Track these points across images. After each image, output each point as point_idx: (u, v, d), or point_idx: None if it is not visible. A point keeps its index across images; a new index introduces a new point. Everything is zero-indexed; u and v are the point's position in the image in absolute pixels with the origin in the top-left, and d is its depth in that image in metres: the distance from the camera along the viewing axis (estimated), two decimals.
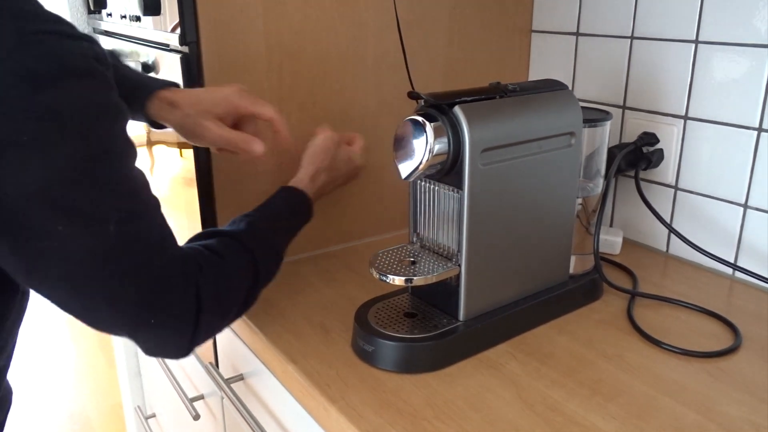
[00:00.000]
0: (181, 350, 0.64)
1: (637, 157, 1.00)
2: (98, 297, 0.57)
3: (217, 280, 0.65)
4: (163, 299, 0.60)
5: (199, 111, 0.77)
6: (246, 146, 0.77)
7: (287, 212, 0.81)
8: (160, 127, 0.82)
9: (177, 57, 0.87)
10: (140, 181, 0.60)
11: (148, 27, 0.96)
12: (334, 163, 0.88)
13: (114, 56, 0.84)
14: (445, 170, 0.70)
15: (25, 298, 0.70)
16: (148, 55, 0.99)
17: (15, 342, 0.71)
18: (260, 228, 0.75)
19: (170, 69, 0.90)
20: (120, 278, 0.57)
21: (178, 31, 0.85)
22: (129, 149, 0.60)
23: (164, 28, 0.90)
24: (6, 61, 0.50)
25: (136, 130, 1.13)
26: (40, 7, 0.55)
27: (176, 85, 0.82)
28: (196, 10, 0.84)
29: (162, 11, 0.89)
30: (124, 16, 1.05)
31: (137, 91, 0.79)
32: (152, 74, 0.98)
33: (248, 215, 0.77)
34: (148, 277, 0.59)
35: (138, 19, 0.99)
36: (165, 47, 0.93)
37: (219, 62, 0.87)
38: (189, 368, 1.16)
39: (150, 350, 0.64)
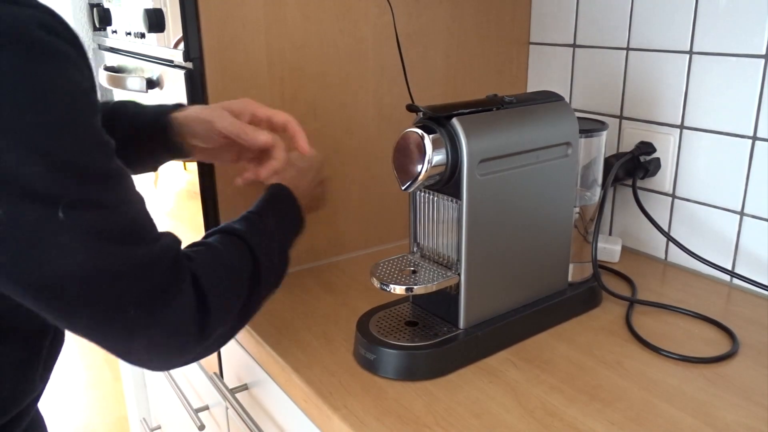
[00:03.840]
0: (187, 356, 0.58)
1: (635, 166, 1.01)
2: (79, 305, 0.51)
3: (214, 268, 0.61)
4: (155, 296, 0.53)
5: (216, 107, 0.78)
6: (253, 136, 0.75)
7: (289, 212, 0.78)
8: (181, 153, 0.80)
9: (181, 73, 0.89)
10: (103, 169, 0.52)
11: (152, 43, 0.98)
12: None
13: (131, 104, 0.83)
14: (444, 181, 0.72)
15: (57, 341, 0.67)
16: (152, 71, 1.01)
17: (46, 382, 0.68)
18: (257, 222, 0.72)
19: (174, 84, 0.92)
20: (101, 280, 0.50)
21: (182, 47, 0.87)
22: (88, 127, 0.51)
23: (168, 44, 0.92)
24: None
25: None
26: None
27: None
28: (199, 26, 0.86)
29: (166, 28, 0.91)
30: (129, 33, 1.07)
31: (159, 116, 0.78)
32: (157, 90, 1.00)
33: (244, 215, 0.73)
34: (134, 273, 0.52)
35: (142, 35, 1.01)
36: (169, 63, 0.95)
37: (222, 77, 0.89)
38: (194, 379, 1.17)
39: (152, 362, 0.57)
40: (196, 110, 0.78)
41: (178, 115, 0.78)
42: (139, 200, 0.56)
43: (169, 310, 0.54)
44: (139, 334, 0.54)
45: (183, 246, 0.62)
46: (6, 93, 0.46)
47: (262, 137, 0.76)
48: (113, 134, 0.57)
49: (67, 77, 0.49)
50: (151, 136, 0.78)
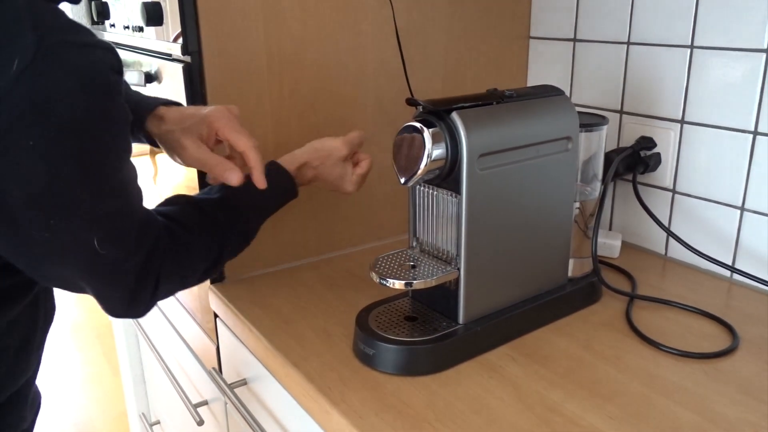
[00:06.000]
0: (136, 314, 0.69)
1: (635, 161, 1.01)
2: (78, 278, 0.63)
3: (179, 258, 0.68)
4: (126, 282, 0.64)
5: (182, 128, 0.75)
6: (220, 174, 0.73)
7: (267, 188, 0.77)
8: (156, 144, 0.81)
9: (179, 66, 0.88)
10: (128, 179, 0.63)
11: (150, 37, 0.98)
12: (326, 171, 0.85)
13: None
14: (444, 175, 0.72)
15: (47, 319, 0.73)
16: (150, 64, 1.00)
17: (42, 350, 0.74)
18: (233, 200, 0.75)
19: (172, 78, 0.92)
20: (95, 267, 0.61)
21: (180, 41, 0.87)
22: (125, 151, 0.63)
23: (167, 38, 0.91)
24: (25, 71, 0.52)
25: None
26: (61, 15, 0.56)
27: (178, 103, 0.81)
28: (197, 20, 0.85)
29: (164, 22, 0.90)
30: (127, 27, 1.06)
31: (140, 108, 0.79)
32: (155, 84, 1.00)
33: (226, 186, 0.76)
34: (118, 270, 0.63)
35: (141, 29, 1.00)
36: (167, 57, 0.94)
37: (221, 71, 0.88)
38: (193, 374, 1.17)
39: (110, 313, 0.69)
40: (168, 127, 0.77)
41: (158, 114, 0.78)
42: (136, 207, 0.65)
43: (128, 292, 0.65)
44: (103, 301, 0.67)
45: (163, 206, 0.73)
46: (85, 125, 0.56)
47: (233, 179, 0.73)
48: None
49: (122, 109, 0.61)
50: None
